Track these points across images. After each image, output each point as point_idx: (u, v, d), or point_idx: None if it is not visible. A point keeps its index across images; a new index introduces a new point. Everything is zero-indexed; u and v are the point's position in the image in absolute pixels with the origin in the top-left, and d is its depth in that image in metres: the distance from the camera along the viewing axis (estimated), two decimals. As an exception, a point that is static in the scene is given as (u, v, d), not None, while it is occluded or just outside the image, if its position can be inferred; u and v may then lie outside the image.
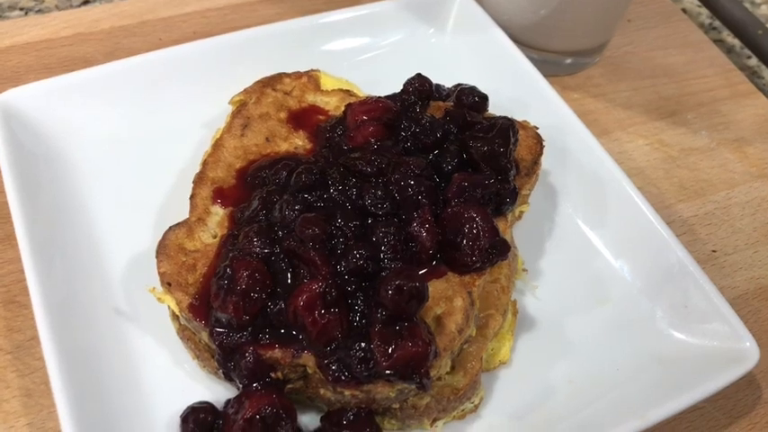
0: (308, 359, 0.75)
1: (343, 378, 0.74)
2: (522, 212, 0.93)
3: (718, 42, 1.45)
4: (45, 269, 0.84)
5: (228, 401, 0.77)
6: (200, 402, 0.78)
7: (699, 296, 0.90)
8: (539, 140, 0.95)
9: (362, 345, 0.73)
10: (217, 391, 0.82)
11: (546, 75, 1.20)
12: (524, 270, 0.95)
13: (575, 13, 1.16)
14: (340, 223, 0.79)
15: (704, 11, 1.52)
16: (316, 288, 0.74)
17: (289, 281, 0.77)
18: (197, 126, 1.04)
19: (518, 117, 0.99)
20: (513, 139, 0.88)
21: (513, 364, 0.88)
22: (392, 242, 0.79)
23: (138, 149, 1.01)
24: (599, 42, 1.25)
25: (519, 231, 0.97)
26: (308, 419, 0.81)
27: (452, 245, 0.81)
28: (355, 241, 0.79)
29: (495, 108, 1.03)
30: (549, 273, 0.96)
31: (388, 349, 0.72)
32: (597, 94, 1.23)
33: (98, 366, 0.81)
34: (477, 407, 0.83)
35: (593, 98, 1.22)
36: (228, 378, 0.79)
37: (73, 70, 1.06)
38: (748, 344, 0.85)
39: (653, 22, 1.37)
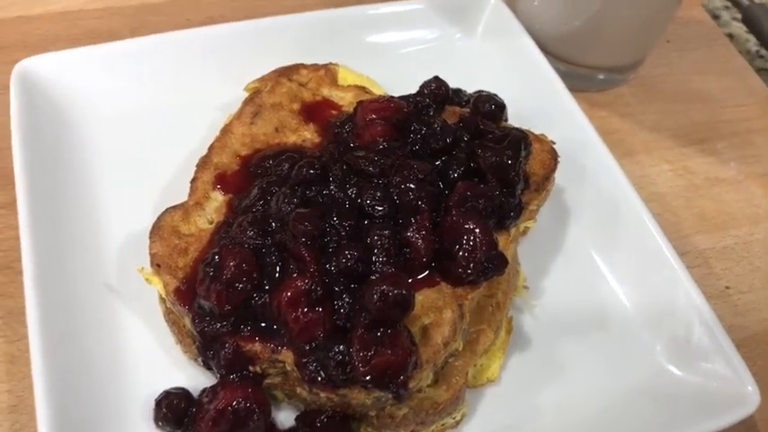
0: (287, 356, 0.74)
1: (319, 379, 0.72)
2: (527, 228, 0.90)
3: (764, 72, 1.40)
4: (41, 238, 0.84)
5: (204, 390, 0.77)
6: (177, 388, 0.78)
7: (703, 333, 0.86)
8: (553, 156, 0.92)
9: (342, 348, 0.71)
10: (197, 378, 0.80)
11: (575, 89, 1.17)
12: (525, 287, 0.92)
13: (608, 27, 1.13)
14: (335, 221, 0.78)
15: (752, 38, 1.47)
16: (301, 285, 0.73)
17: (277, 275, 0.76)
18: (212, 109, 1.03)
19: (538, 129, 0.96)
20: (523, 153, 0.86)
21: (502, 382, 0.85)
22: (386, 246, 0.77)
23: (150, 128, 1.01)
24: (632, 60, 1.21)
25: (525, 247, 0.94)
26: (285, 416, 0.80)
27: (448, 255, 0.79)
28: (348, 241, 0.77)
29: (516, 118, 1.01)
30: (551, 293, 0.93)
31: (366, 355, 0.70)
32: (625, 114, 1.19)
33: (82, 340, 0.81)
34: (458, 423, 0.81)
35: (621, 117, 1.19)
36: (207, 366, 0.78)
37: (97, 43, 1.07)
38: (750, 388, 0.81)
39: (693, 45, 1.32)
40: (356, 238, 0.78)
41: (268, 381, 0.77)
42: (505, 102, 1.00)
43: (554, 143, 0.94)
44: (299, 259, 0.76)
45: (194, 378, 0.81)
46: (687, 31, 1.34)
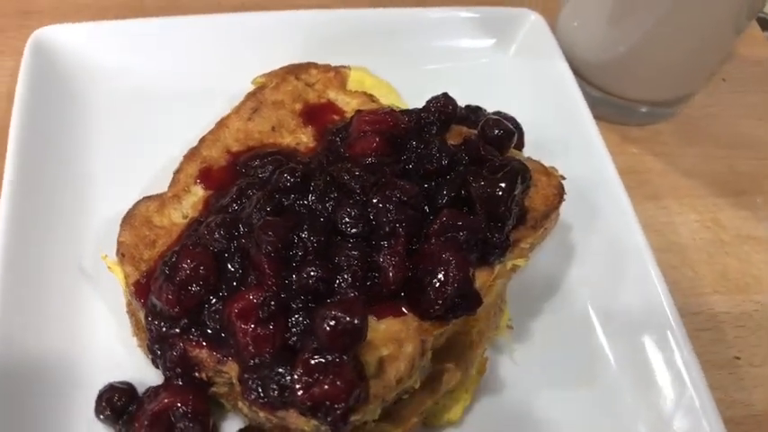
0: (231, 368, 0.71)
1: (258, 398, 0.69)
2: (516, 266, 0.84)
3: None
4: (22, 207, 0.84)
5: (149, 389, 0.75)
6: (122, 382, 0.77)
7: (692, 409, 0.79)
8: (559, 192, 0.86)
9: (284, 370, 0.68)
10: (148, 373, 0.78)
11: (612, 121, 1.11)
12: (510, 327, 0.86)
13: (654, 57, 1.05)
14: (304, 235, 0.74)
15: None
16: (253, 298, 0.69)
17: (235, 283, 0.73)
18: (221, 99, 1.00)
19: (555, 160, 0.90)
20: (520, 187, 0.80)
21: (464, 425, 0.80)
22: (353, 268, 0.73)
23: (156, 110, 1.00)
24: (676, 96, 1.12)
25: (516, 285, 0.89)
26: (237, 424, 0.77)
27: (419, 285, 0.74)
28: (314, 257, 0.73)
29: (533, 144, 0.95)
30: (536, 337, 0.87)
31: (307, 382, 0.66)
32: (660, 153, 1.11)
33: (42, 317, 0.80)
34: (407, 461, 0.76)
35: (654, 156, 1.11)
36: (155, 364, 0.76)
37: (125, 16, 1.07)
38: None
39: (752, 87, 1.22)
40: (324, 256, 0.74)
41: (214, 389, 0.75)
42: (525, 126, 0.96)
43: (564, 178, 0.88)
44: (258, 270, 0.72)
45: (146, 372, 0.78)
46: (747, 72, 1.24)
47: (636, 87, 1.11)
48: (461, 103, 0.99)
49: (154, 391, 0.74)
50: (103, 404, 0.74)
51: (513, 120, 0.95)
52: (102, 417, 0.74)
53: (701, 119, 1.17)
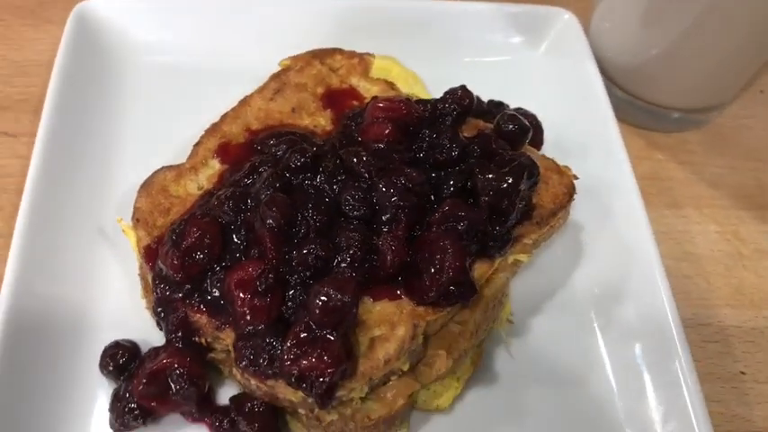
0: (228, 336, 0.74)
1: (250, 366, 0.72)
2: (518, 261, 0.85)
3: None
4: (50, 167, 0.88)
5: (150, 349, 0.78)
6: (127, 341, 0.80)
7: (685, 421, 0.78)
8: (569, 191, 0.86)
9: (276, 341, 0.71)
10: (154, 335, 0.81)
11: (640, 126, 1.11)
12: (509, 321, 0.87)
13: (684, 63, 1.03)
14: (308, 213, 0.76)
15: None
16: (252, 270, 0.72)
17: (238, 254, 0.76)
18: (251, 79, 1.02)
19: (573, 160, 0.90)
20: (526, 183, 0.80)
21: (454, 414, 0.82)
22: (353, 249, 0.75)
23: (186, 85, 1.04)
24: (706, 104, 1.10)
25: (521, 281, 0.90)
26: (231, 391, 0.80)
27: (416, 271, 0.75)
28: (316, 236, 0.75)
29: (553, 143, 0.97)
30: (535, 334, 0.87)
31: (296, 353, 0.69)
32: (685, 162, 1.10)
33: (60, 273, 0.84)
34: (394, 443, 0.78)
35: (679, 165, 1.09)
36: (159, 326, 0.79)
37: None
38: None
39: (790, 101, 1.19)
40: (325, 235, 0.76)
41: (213, 355, 0.78)
42: (548, 125, 0.97)
43: (576, 178, 0.88)
44: (261, 243, 0.75)
45: (152, 333, 0.81)
46: (788, 84, 1.21)
47: (667, 93, 1.10)
48: (487, 97, 1.00)
49: (154, 352, 0.77)
50: (107, 359, 0.78)
51: (532, 117, 0.95)
52: (105, 372, 0.78)
53: (731, 129, 1.14)
